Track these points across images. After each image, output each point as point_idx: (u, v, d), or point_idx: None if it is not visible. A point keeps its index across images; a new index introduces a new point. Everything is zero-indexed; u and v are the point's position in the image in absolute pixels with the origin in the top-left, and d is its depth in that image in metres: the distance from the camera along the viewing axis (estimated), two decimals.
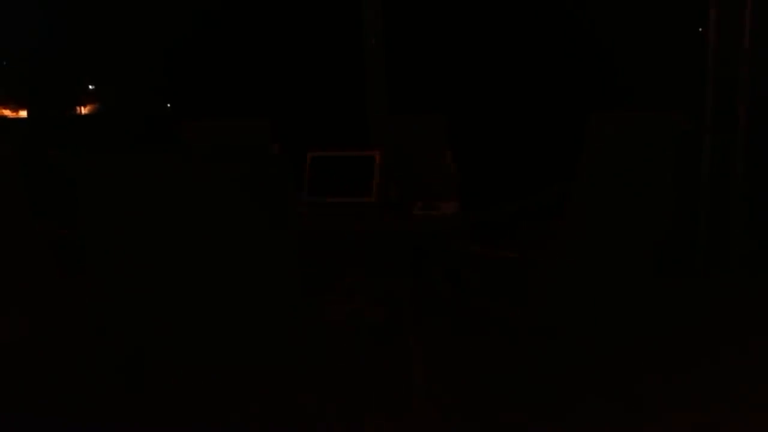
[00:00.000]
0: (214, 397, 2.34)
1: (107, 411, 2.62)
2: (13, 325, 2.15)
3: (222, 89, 5.58)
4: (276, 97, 5.62)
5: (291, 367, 1.73)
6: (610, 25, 4.29)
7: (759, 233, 3.89)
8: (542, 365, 2.90)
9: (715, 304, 3.61)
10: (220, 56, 5.61)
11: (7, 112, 5.54)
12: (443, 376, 2.65)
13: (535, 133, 4.66)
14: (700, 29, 3.91)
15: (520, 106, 4.75)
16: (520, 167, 4.44)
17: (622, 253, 2.27)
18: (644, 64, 4.16)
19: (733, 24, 3.76)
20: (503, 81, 4.83)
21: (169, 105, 5.98)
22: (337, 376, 1.79)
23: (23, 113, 5.59)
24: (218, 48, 5.61)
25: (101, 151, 1.60)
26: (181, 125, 3.62)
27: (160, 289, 1.71)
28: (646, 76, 4.15)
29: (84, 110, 5.89)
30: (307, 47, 5.64)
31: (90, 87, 5.93)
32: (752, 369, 2.80)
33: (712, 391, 2.61)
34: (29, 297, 2.52)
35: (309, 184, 2.88)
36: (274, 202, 1.55)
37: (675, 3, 4.03)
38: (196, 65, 5.61)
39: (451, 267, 2.36)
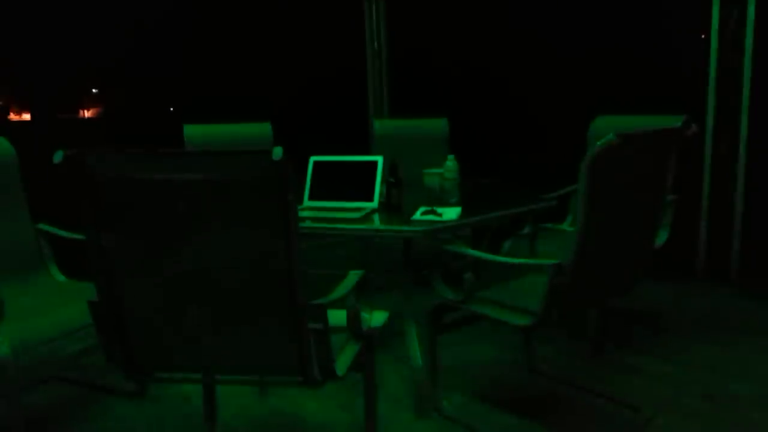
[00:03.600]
0: (215, 402, 2.34)
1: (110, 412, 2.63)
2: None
3: (225, 93, 5.58)
4: (279, 101, 5.62)
5: (293, 371, 1.73)
6: (612, 28, 4.29)
7: (759, 236, 3.89)
8: (542, 365, 2.90)
9: (714, 307, 3.61)
10: (223, 60, 5.62)
11: (11, 115, 5.55)
12: (444, 380, 2.64)
13: (537, 137, 4.66)
14: (703, 36, 3.91)
15: (523, 110, 4.75)
16: (522, 170, 4.44)
17: (623, 254, 2.27)
18: (646, 68, 4.16)
19: (735, 27, 3.77)
20: (506, 85, 4.84)
21: (171, 108, 5.99)
22: (337, 378, 1.79)
23: (26, 116, 5.61)
24: (221, 52, 5.62)
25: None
26: (183, 128, 3.63)
27: (159, 293, 1.71)
28: (648, 80, 4.16)
29: (87, 113, 5.91)
30: (310, 52, 5.65)
31: (93, 90, 5.94)
32: (752, 370, 2.80)
33: (712, 393, 2.61)
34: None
35: (311, 188, 2.89)
36: (276, 206, 1.55)
37: (677, 7, 4.04)
38: (199, 69, 5.62)
39: (451, 270, 2.36)
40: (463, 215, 2.54)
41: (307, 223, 2.54)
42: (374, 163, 2.84)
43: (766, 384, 2.71)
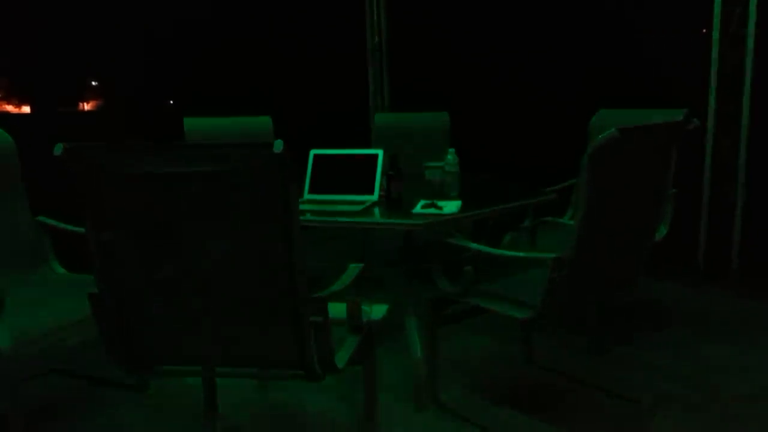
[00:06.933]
0: (216, 396, 2.34)
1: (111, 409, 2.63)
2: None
3: (225, 86, 5.58)
4: (279, 95, 5.62)
5: (293, 364, 1.73)
6: (613, 25, 4.28)
7: (760, 233, 3.89)
8: (542, 358, 2.90)
9: (714, 303, 3.61)
10: (223, 53, 5.61)
11: (10, 108, 5.54)
12: (443, 373, 2.65)
13: (538, 131, 4.65)
14: (704, 30, 3.91)
15: (524, 104, 4.74)
16: (522, 164, 4.44)
17: (623, 248, 2.27)
18: (648, 64, 4.16)
19: (736, 25, 3.76)
20: (507, 79, 4.83)
21: (171, 101, 5.98)
22: (338, 375, 1.80)
23: (26, 109, 5.60)
24: (222, 45, 5.61)
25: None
26: (183, 122, 3.62)
27: (159, 286, 1.71)
28: (649, 76, 4.15)
29: (87, 106, 5.90)
30: (311, 45, 5.64)
31: (93, 83, 5.93)
32: (751, 366, 2.81)
33: (711, 388, 2.61)
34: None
35: (312, 181, 2.88)
36: (276, 199, 1.55)
37: (679, 3, 4.03)
38: (199, 62, 5.61)
39: (452, 264, 2.36)
40: (463, 209, 2.54)
41: (308, 216, 2.54)
42: (375, 157, 2.84)
43: (765, 380, 2.71)
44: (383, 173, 2.80)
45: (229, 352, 1.80)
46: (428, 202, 2.57)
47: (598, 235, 2.00)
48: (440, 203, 2.55)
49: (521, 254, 2.36)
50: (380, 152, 2.84)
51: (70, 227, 2.67)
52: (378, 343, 2.13)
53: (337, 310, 1.85)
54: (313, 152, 2.93)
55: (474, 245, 2.28)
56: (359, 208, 2.63)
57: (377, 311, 2.07)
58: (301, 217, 1.63)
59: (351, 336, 1.96)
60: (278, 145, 1.46)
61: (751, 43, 3.73)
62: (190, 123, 3.63)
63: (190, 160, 1.58)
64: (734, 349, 3.01)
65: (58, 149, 1.57)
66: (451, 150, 2.87)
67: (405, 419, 2.47)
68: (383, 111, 5.51)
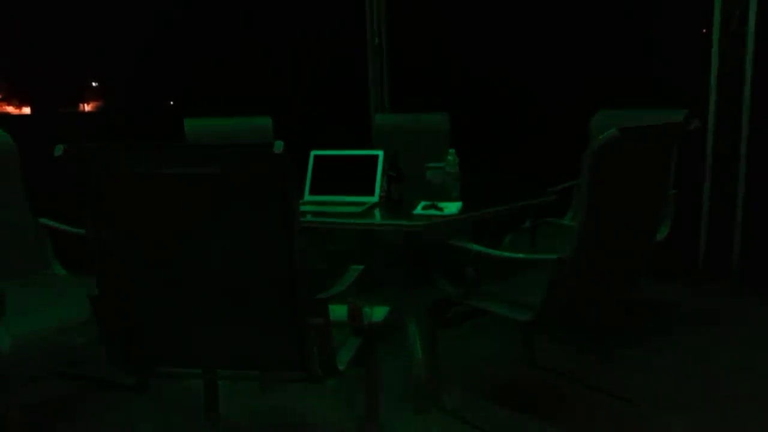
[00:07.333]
0: (217, 398, 2.34)
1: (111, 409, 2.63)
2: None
3: (225, 87, 5.57)
4: (279, 96, 5.61)
5: (294, 366, 1.73)
6: (613, 25, 4.28)
7: (761, 233, 3.88)
8: (543, 360, 2.90)
9: (715, 303, 3.61)
10: (223, 54, 5.61)
11: (11, 109, 5.55)
12: (444, 375, 2.65)
13: (538, 132, 4.65)
14: (704, 30, 3.90)
15: (524, 105, 4.74)
16: (523, 166, 4.43)
17: (624, 249, 2.27)
18: (648, 64, 4.15)
19: (736, 24, 3.76)
20: (507, 79, 4.83)
21: (172, 102, 5.98)
22: (338, 373, 1.79)
23: (26, 110, 5.60)
24: (222, 46, 5.61)
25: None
26: (184, 122, 3.62)
27: (160, 287, 1.70)
28: (649, 76, 4.15)
29: (87, 107, 5.90)
30: (312, 46, 5.64)
31: (93, 84, 5.93)
32: (751, 366, 2.80)
33: (711, 389, 2.61)
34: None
35: (312, 182, 2.88)
36: (277, 200, 1.55)
37: (679, 3, 4.03)
38: (199, 62, 5.60)
39: (452, 265, 2.36)
40: (464, 210, 2.53)
41: (308, 218, 2.54)
42: (375, 157, 2.83)
43: (765, 380, 2.71)
44: (384, 174, 2.80)
45: (229, 353, 1.80)
46: (429, 203, 2.57)
47: (599, 235, 2.00)
48: (441, 204, 2.54)
49: (522, 255, 2.35)
50: (380, 153, 2.84)
51: (70, 229, 2.66)
52: (378, 346, 2.12)
53: (338, 312, 1.85)
54: (313, 153, 2.93)
55: (475, 246, 2.28)
56: (360, 209, 2.62)
57: (378, 313, 2.06)
58: (302, 218, 1.63)
59: (352, 338, 1.96)
60: (278, 146, 1.46)
61: (751, 42, 3.73)
62: (190, 124, 3.63)
63: (191, 161, 1.58)
64: (734, 349, 3.01)
65: (59, 150, 1.57)
66: (452, 150, 2.86)
67: (406, 421, 2.47)
68: (383, 111, 5.50)
